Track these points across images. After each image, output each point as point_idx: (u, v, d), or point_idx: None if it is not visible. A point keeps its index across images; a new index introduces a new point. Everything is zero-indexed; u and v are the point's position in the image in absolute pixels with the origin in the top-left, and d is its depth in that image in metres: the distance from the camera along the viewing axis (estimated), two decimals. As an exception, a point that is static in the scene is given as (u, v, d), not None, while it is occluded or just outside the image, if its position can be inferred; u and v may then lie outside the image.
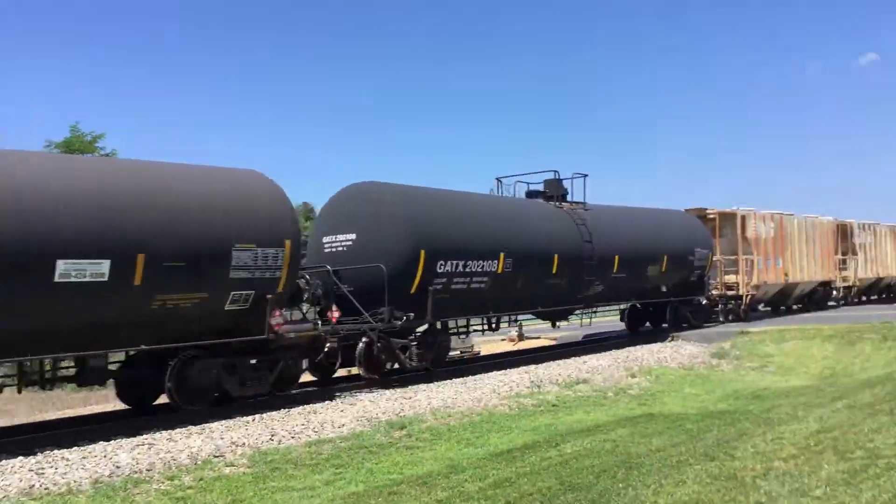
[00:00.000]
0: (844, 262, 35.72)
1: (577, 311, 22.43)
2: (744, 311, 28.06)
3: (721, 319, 27.52)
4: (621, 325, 27.86)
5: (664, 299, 25.21)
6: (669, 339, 23.71)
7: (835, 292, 35.14)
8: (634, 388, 16.76)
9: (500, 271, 18.09)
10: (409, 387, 16.10)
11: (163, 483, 9.62)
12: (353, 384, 16.81)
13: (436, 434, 12.41)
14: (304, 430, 12.24)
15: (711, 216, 28.76)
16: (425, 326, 17.40)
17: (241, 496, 9.27)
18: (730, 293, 28.15)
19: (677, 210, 27.81)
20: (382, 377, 16.87)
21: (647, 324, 26.93)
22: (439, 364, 17.97)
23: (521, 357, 21.53)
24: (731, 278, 28.32)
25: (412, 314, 16.22)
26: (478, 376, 17.39)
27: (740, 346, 21.98)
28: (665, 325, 25.62)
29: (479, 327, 20.53)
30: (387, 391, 15.62)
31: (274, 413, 13.48)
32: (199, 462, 10.46)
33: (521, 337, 30.95)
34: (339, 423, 12.68)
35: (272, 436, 11.78)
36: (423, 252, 16.19)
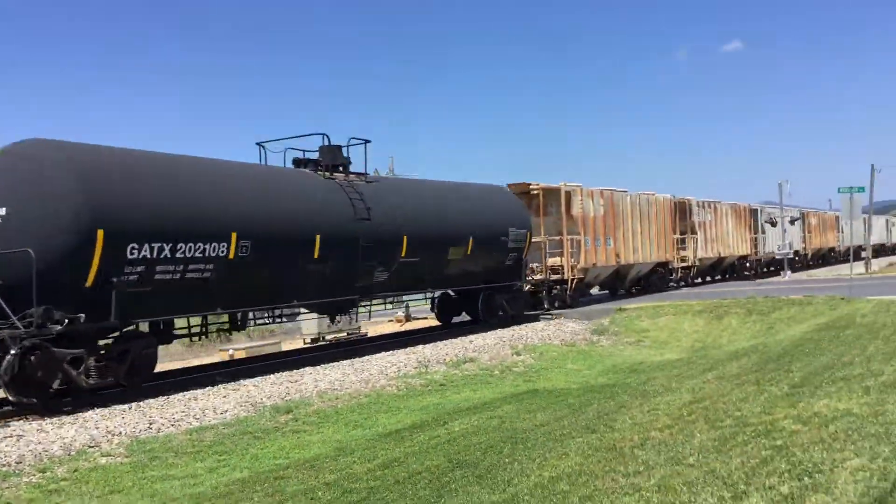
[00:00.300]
0: (683, 241, 34.19)
1: (364, 304, 19.45)
2: (570, 296, 26.06)
3: (546, 307, 25.54)
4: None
5: (475, 286, 21.93)
6: (552, 317, 24.29)
7: (673, 273, 33.57)
8: (519, 365, 17.12)
9: (231, 256, 14.39)
10: (296, 370, 15.87)
11: (34, 476, 9.13)
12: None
13: (323, 417, 12.30)
14: (185, 417, 11.86)
15: (535, 192, 26.02)
16: (130, 330, 13.85)
17: (119, 486, 8.91)
18: (554, 277, 25.79)
19: (494, 185, 24.03)
20: (44, 400, 12.31)
21: (464, 314, 23.94)
22: (140, 379, 13.80)
23: (408, 338, 21.58)
24: (556, 261, 25.84)
25: (83, 315, 12.32)
26: (365, 358, 17.33)
27: (618, 323, 22.81)
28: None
29: (366, 311, 20.26)
30: (271, 375, 15.33)
31: (152, 401, 12.99)
32: (72, 453, 9.98)
33: (408, 318, 31.06)
34: (222, 409, 12.36)
35: (150, 424, 11.36)
36: (101, 232, 12.32)
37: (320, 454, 10.10)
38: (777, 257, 42.84)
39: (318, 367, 16.09)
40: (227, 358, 23.95)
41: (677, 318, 22.48)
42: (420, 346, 18.88)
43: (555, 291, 25.87)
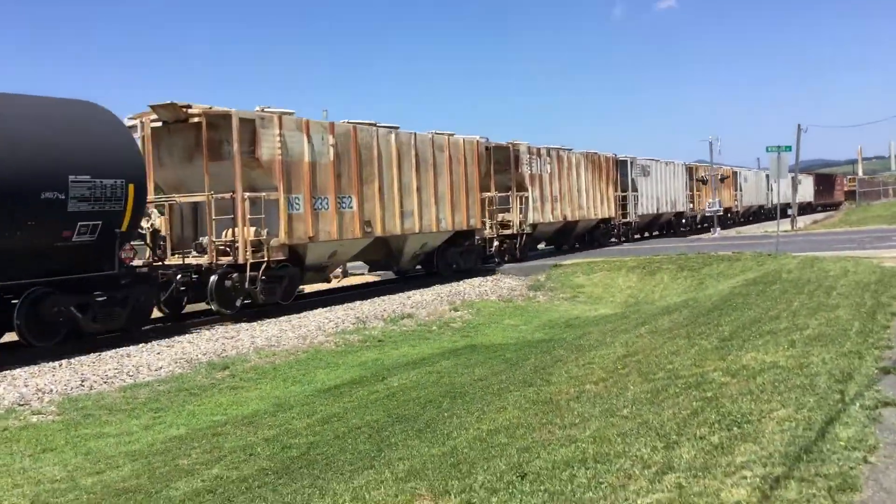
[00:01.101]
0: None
1: None
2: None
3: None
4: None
5: None
6: (491, 273, 24.49)
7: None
8: (457, 321, 17.26)
9: None
10: (231, 326, 15.69)
11: (-42, 437, 8.86)
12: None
13: (261, 373, 12.22)
14: (118, 374, 11.65)
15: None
16: None
17: (52, 444, 8.73)
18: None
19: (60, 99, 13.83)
20: None
21: None
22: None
23: (345, 294, 21.53)
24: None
25: None
26: (303, 314, 17.22)
27: (554, 279, 23.13)
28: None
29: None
30: (206, 331, 15.12)
31: (84, 357, 12.70)
32: (1, 411, 9.71)
33: (345, 273, 30.88)
34: (157, 366, 12.17)
35: (82, 381, 11.12)
36: None
37: (258, 410, 10.06)
38: (707, 214, 43.91)
39: (254, 324, 15.93)
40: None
41: (611, 274, 22.90)
42: (358, 303, 18.85)
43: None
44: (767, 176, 58.46)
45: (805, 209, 65.41)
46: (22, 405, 10.00)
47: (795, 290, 13.32)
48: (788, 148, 25.50)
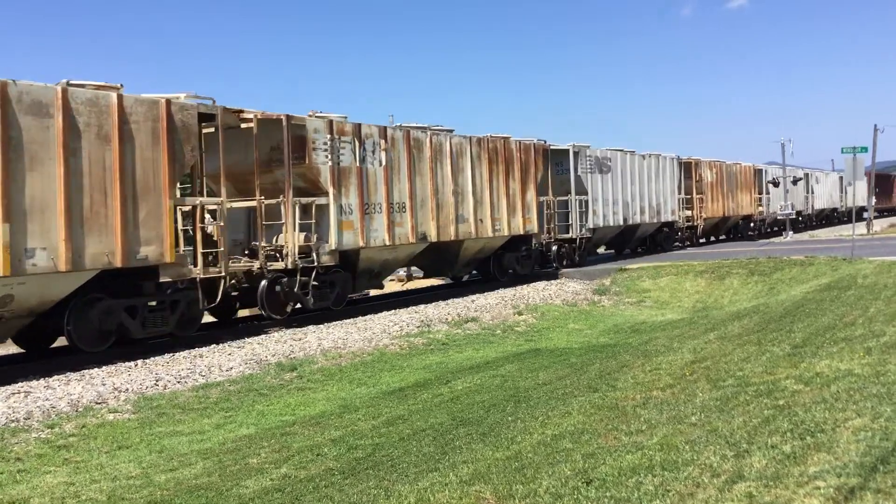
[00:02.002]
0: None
1: None
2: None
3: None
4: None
5: None
6: (556, 276, 24.34)
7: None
8: (521, 325, 17.22)
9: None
10: (299, 328, 15.97)
11: (42, 431, 9.24)
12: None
13: (327, 375, 12.41)
14: (191, 374, 11.98)
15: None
16: None
17: (127, 442, 9.03)
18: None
19: None
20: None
21: None
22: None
23: (409, 297, 21.67)
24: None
25: None
26: (368, 317, 17.42)
27: (620, 283, 22.87)
28: None
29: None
30: (275, 333, 15.43)
31: (158, 358, 13.10)
32: (80, 409, 10.09)
33: (409, 277, 31.11)
34: (227, 367, 12.47)
35: (157, 381, 11.47)
36: None
37: (325, 411, 10.22)
38: (779, 217, 42.76)
39: (321, 326, 16.19)
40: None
41: (678, 279, 22.52)
42: (422, 306, 18.98)
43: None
44: (841, 178, 56.64)
45: (858, 214, 60.67)
46: (99, 403, 10.37)
47: (872, 296, 12.91)
48: (865, 149, 24.67)
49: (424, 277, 24.70)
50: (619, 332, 16.38)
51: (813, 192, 51.48)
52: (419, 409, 9.75)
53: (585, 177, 26.30)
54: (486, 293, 21.19)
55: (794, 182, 46.19)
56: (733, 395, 7.31)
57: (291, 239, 16.13)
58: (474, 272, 24.28)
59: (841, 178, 56.81)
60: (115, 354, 13.11)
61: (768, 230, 44.41)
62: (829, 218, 56.58)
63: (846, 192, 57.45)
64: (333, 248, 16.81)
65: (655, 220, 30.95)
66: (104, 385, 11.15)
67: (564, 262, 25.83)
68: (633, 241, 31.09)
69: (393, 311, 18.27)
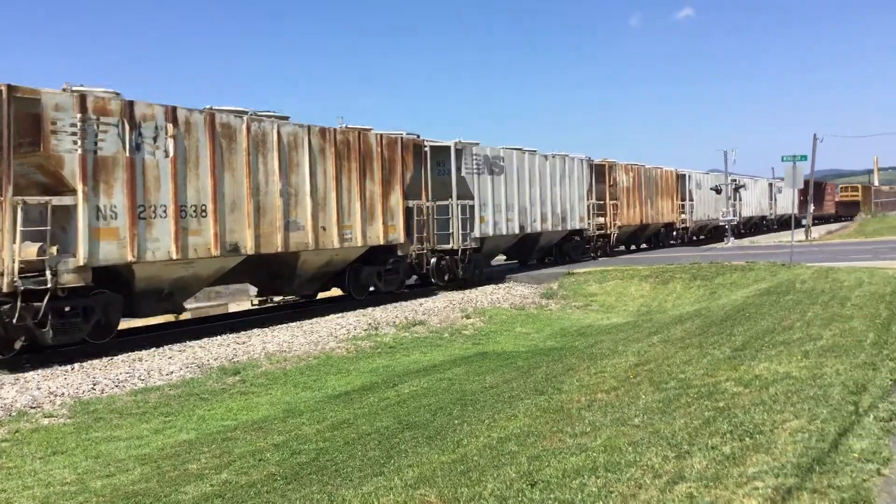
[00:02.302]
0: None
1: None
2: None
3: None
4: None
5: None
6: (504, 281, 24.42)
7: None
8: (469, 328, 17.23)
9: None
10: (243, 332, 15.72)
11: (-29, 438, 8.91)
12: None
13: (272, 379, 12.23)
14: (129, 378, 11.69)
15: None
16: None
17: (62, 447, 8.77)
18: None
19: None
20: None
21: None
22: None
23: (358, 300, 21.52)
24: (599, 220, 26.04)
25: None
26: (314, 319, 17.25)
27: (567, 287, 23.08)
28: None
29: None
30: (218, 336, 15.15)
31: (96, 361, 12.76)
32: (13, 414, 9.76)
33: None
34: (168, 371, 12.20)
35: (94, 385, 11.17)
36: None
37: (269, 416, 10.07)
38: (721, 224, 43.62)
39: (266, 329, 15.97)
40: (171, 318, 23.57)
41: (624, 283, 22.83)
42: (370, 309, 18.86)
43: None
44: (771, 185, 57.32)
45: (785, 224, 50.01)
46: (34, 408, 10.05)
47: (809, 301, 13.23)
48: (804, 157, 25.29)
49: (259, 295, 19.39)
50: (566, 335, 16.51)
51: (741, 200, 49.08)
52: (365, 413, 9.67)
53: (472, 178, 22.96)
54: (433, 296, 21.15)
55: (736, 189, 47.22)
56: (675, 398, 7.40)
57: (8, 252, 11.92)
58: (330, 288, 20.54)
59: (771, 184, 57.09)
60: (52, 357, 12.74)
61: (692, 239, 42.27)
62: (758, 226, 54.47)
63: (776, 200, 58.06)
64: (82, 263, 12.73)
65: (561, 228, 28.09)
66: (39, 389, 10.81)
67: (446, 278, 22.56)
68: (536, 252, 28.42)
69: (340, 313, 18.12)
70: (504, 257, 29.17)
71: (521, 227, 25.62)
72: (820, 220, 67.72)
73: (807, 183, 45.13)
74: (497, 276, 25.00)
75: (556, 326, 17.99)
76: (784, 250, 26.76)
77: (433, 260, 21.95)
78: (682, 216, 40.63)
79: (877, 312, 11.19)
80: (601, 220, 31.66)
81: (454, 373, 12.06)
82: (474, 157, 23.16)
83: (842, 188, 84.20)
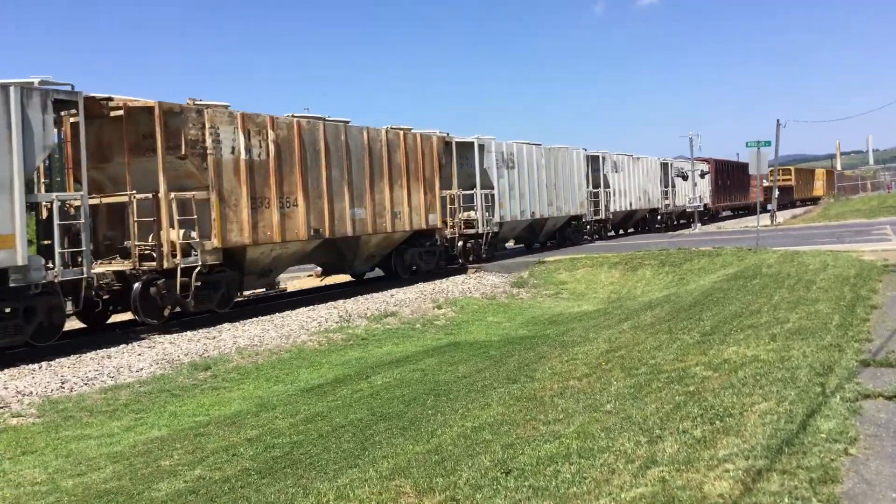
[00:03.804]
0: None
1: None
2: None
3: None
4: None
5: None
6: (473, 270, 24.48)
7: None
8: (441, 318, 17.25)
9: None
10: (213, 327, 15.60)
11: (-64, 441, 8.75)
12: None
13: (243, 373, 12.15)
14: (99, 375, 11.55)
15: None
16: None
17: (32, 447, 8.64)
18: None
19: None
20: None
21: None
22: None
23: (328, 292, 21.45)
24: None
25: None
26: (285, 313, 17.16)
27: (537, 275, 23.18)
28: None
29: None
30: (188, 332, 15.02)
31: (64, 359, 12.58)
32: (-22, 416, 9.59)
33: (326, 272, 30.68)
34: (137, 367, 12.08)
35: (63, 383, 11.01)
36: None
37: (241, 410, 10.01)
38: (688, 210, 44.09)
39: (236, 324, 15.85)
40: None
41: (594, 270, 22.98)
42: (341, 301, 18.81)
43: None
44: (665, 165, 51.84)
45: (691, 217, 45.21)
46: (2, 408, 9.89)
47: (776, 285, 13.43)
48: (768, 143, 25.61)
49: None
50: (538, 323, 16.59)
51: (608, 188, 41.59)
52: (338, 406, 9.65)
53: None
54: (405, 287, 21.15)
55: (703, 175, 47.70)
56: (646, 383, 7.48)
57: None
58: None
59: (665, 165, 50.25)
60: (19, 356, 12.55)
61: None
62: (641, 224, 44.73)
63: (674, 187, 52.46)
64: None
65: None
66: (6, 389, 10.64)
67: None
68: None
69: (311, 306, 18.04)
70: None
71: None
72: (741, 211, 58.93)
73: (772, 170, 45.69)
74: (458, 269, 25.01)
75: (527, 315, 18.08)
76: (750, 235, 27.10)
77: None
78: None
79: (841, 295, 11.40)
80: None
81: (427, 363, 12.08)
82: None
83: (772, 171, 73.45)
